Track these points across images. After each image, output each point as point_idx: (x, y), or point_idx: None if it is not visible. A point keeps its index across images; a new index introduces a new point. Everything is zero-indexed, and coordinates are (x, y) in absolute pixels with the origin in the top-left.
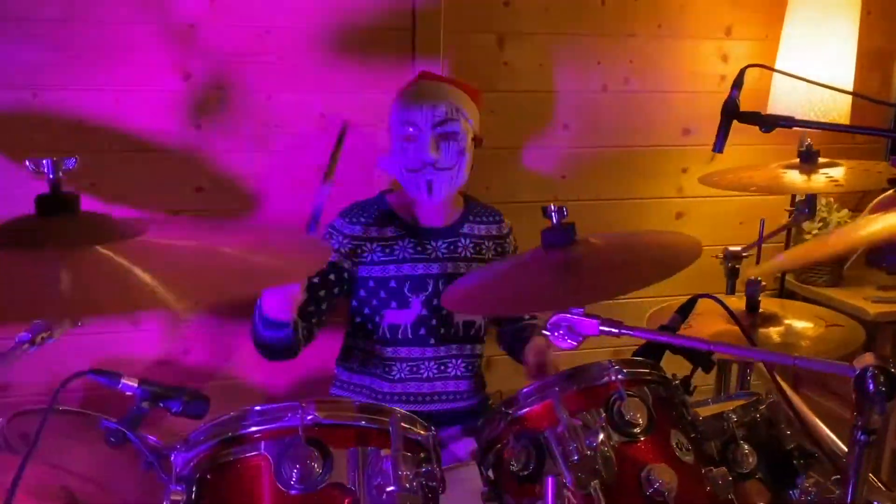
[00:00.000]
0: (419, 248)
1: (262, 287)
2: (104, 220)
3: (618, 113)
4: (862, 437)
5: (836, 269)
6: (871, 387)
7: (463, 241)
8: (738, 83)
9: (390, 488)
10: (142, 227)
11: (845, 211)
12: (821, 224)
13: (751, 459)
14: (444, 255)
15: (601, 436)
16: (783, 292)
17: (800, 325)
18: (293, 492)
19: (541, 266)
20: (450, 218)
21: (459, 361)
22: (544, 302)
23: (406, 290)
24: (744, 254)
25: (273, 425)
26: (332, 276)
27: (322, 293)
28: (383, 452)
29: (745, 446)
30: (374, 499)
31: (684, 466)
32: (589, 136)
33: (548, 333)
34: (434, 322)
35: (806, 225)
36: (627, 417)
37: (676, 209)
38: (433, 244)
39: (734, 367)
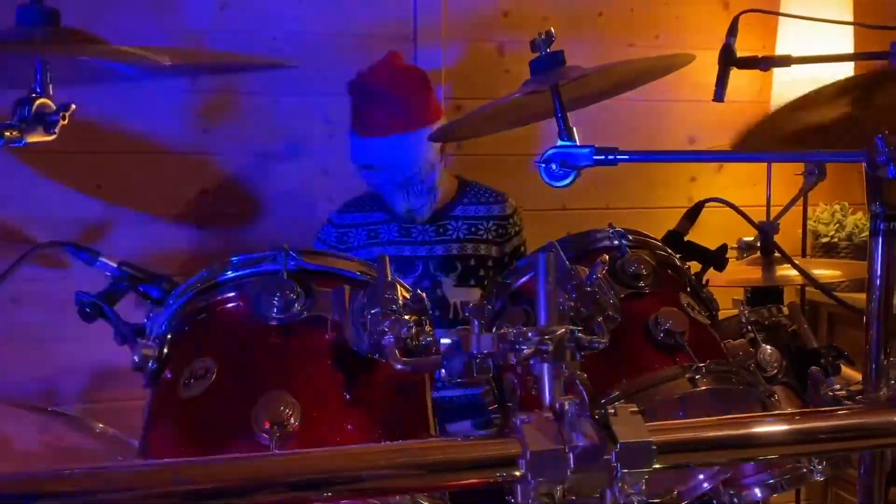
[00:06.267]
0: (403, 232)
1: None
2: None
3: (622, 121)
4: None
5: None
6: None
7: (454, 223)
8: (732, 31)
9: (375, 310)
10: None
11: (860, 213)
12: (837, 226)
13: (774, 362)
14: (433, 239)
15: (599, 270)
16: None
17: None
18: (272, 322)
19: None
20: (438, 204)
21: None
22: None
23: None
24: (757, 243)
25: (254, 269)
26: None
27: None
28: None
29: (769, 348)
30: (357, 329)
31: (697, 323)
32: (595, 144)
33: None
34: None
35: (822, 228)
36: (631, 270)
37: None
38: (419, 227)
39: None
